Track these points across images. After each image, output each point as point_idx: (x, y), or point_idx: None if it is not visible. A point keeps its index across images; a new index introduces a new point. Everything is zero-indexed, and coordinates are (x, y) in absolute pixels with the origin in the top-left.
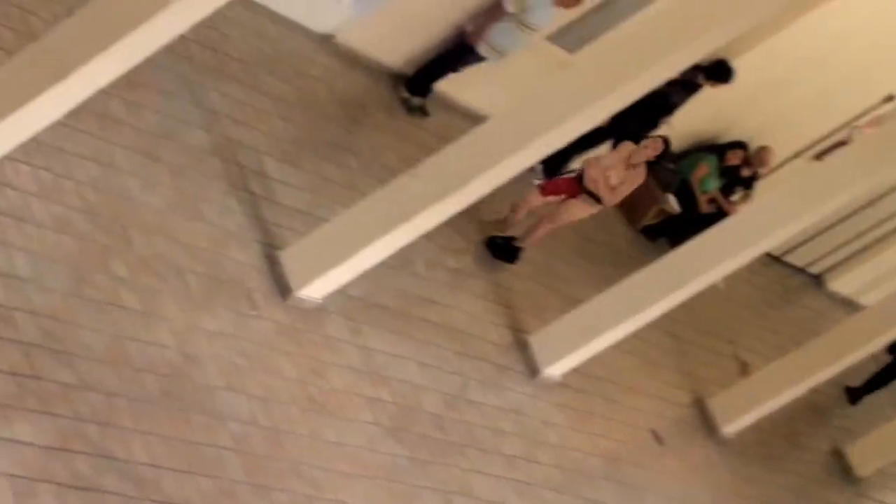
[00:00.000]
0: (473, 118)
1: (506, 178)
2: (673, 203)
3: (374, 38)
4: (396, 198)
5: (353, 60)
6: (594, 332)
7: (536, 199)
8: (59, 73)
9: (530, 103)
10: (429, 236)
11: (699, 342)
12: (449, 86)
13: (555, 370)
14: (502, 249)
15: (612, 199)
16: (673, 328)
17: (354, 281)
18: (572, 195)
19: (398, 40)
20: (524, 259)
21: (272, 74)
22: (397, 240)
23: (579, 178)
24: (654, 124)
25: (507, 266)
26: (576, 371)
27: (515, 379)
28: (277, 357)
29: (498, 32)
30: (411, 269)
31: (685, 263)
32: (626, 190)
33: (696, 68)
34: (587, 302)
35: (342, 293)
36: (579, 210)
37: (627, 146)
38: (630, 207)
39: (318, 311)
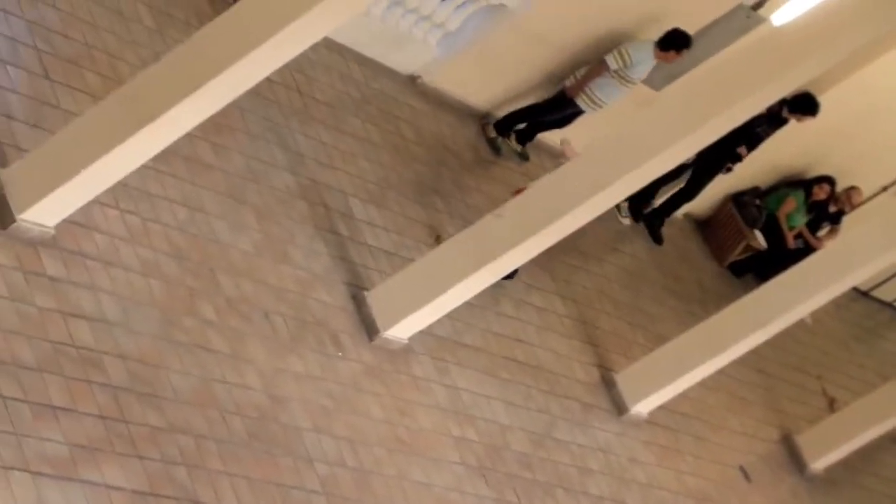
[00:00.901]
0: (558, 157)
1: (591, 216)
2: (760, 239)
3: (460, 78)
4: (482, 238)
5: (438, 101)
6: (681, 370)
7: None
8: (147, 117)
9: (616, 141)
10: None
11: (787, 378)
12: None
13: (642, 408)
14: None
15: None
16: (760, 364)
17: (440, 320)
18: None
19: (483, 81)
20: (610, 297)
21: (358, 116)
22: (483, 279)
23: None
24: (738, 157)
25: (595, 304)
26: (663, 408)
27: (602, 417)
28: (364, 398)
29: (598, 86)
30: (497, 308)
31: (772, 299)
32: None
33: (782, 102)
34: (674, 339)
35: (428, 333)
36: None
37: None
38: (717, 244)
39: (405, 351)
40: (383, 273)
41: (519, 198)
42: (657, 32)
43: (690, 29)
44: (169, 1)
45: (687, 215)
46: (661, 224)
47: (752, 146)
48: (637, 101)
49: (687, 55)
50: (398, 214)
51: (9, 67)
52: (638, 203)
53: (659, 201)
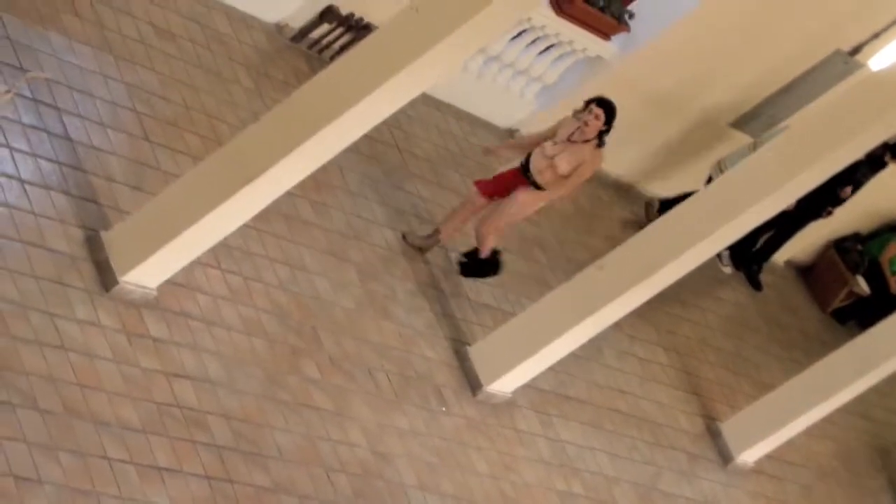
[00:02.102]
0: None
1: (692, 266)
2: (862, 285)
3: None
4: (583, 290)
5: None
6: (786, 418)
7: (479, 200)
8: (247, 177)
9: (716, 191)
10: (617, 326)
11: (893, 423)
12: (631, 176)
13: (748, 457)
14: (478, 266)
15: (560, 189)
16: (867, 411)
17: (543, 373)
18: (516, 187)
19: None
20: (713, 346)
21: (457, 171)
22: (585, 332)
23: (524, 167)
24: (838, 200)
25: (698, 353)
26: (769, 457)
27: (708, 467)
28: (469, 453)
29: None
30: (601, 360)
31: (876, 345)
32: (576, 179)
33: (884, 146)
34: (778, 387)
35: (531, 386)
36: (528, 203)
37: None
38: (819, 290)
39: (508, 404)
40: (485, 327)
41: (620, 249)
42: (751, 75)
43: (788, 76)
44: (266, 61)
45: (789, 262)
46: (760, 269)
47: (853, 190)
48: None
49: None
50: None
51: (109, 131)
52: (739, 251)
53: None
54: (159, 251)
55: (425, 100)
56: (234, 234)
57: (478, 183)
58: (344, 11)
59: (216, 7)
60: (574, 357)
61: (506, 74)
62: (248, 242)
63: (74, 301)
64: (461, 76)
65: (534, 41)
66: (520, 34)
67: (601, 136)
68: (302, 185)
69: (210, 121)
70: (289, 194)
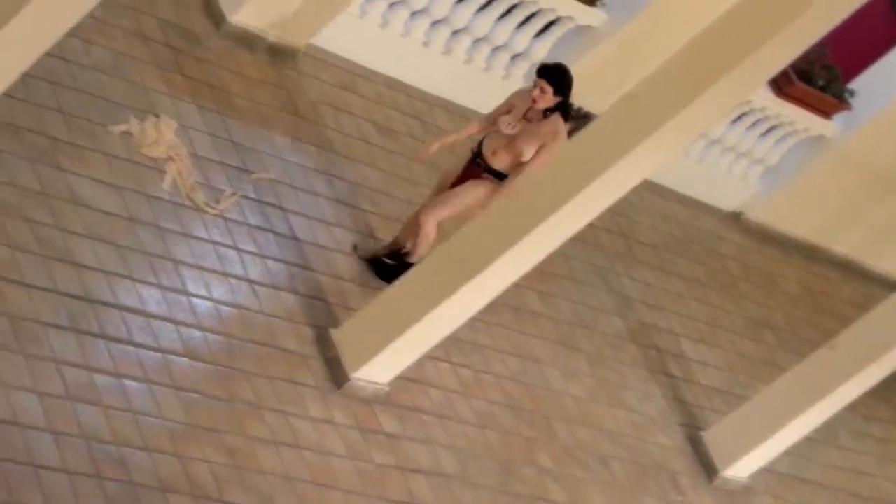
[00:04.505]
0: (888, 285)
1: None
2: None
3: (783, 212)
4: (816, 371)
5: (763, 236)
6: None
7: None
8: (473, 270)
9: None
10: (852, 407)
11: None
12: (858, 254)
13: None
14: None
15: (505, 158)
16: None
17: (779, 456)
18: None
19: (807, 212)
20: None
21: (683, 256)
22: (821, 413)
23: (475, 156)
24: None
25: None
26: None
27: None
28: None
29: None
30: (836, 442)
31: None
32: (535, 165)
33: None
34: None
35: (768, 470)
36: (478, 191)
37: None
38: None
39: (745, 490)
40: (719, 412)
41: (853, 328)
42: None
43: None
44: None
45: None
46: None
47: None
48: None
49: None
50: (730, 352)
51: (334, 229)
52: None
53: None
54: (389, 347)
55: (648, 185)
56: (462, 328)
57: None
58: None
59: (437, 104)
60: (809, 440)
61: (728, 157)
62: (477, 335)
63: (307, 399)
64: (683, 160)
65: (754, 123)
66: (740, 116)
67: (563, 109)
68: (527, 276)
69: None
70: (515, 285)
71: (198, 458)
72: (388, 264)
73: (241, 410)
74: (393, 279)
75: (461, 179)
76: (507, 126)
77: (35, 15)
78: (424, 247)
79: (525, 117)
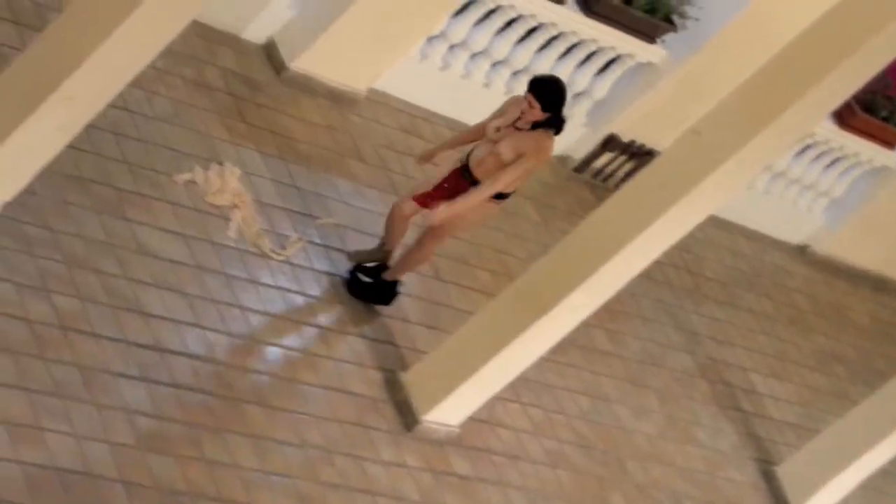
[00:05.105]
0: None
1: None
2: None
3: (850, 244)
4: (890, 402)
5: (830, 269)
6: None
7: (408, 207)
8: (541, 309)
9: None
10: None
11: None
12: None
13: None
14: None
15: (496, 183)
16: None
17: (853, 491)
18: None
19: (874, 244)
20: None
21: (751, 291)
22: (893, 446)
23: (463, 168)
24: None
25: None
26: None
27: None
28: None
29: None
30: None
31: None
32: (514, 171)
33: None
34: None
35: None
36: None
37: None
38: None
39: None
40: (791, 446)
41: None
42: None
43: None
44: (550, 193)
45: None
46: None
47: None
48: None
49: None
50: (800, 386)
51: None
52: None
53: None
54: (458, 389)
55: (713, 221)
56: (531, 368)
57: (415, 198)
58: (625, 139)
59: None
60: (883, 472)
61: (793, 190)
62: (546, 375)
63: (378, 443)
64: (747, 194)
65: (819, 155)
66: (804, 149)
67: (554, 124)
68: (596, 314)
69: (499, 256)
70: (583, 324)
71: None
72: (363, 282)
73: (313, 456)
74: (365, 296)
75: (449, 192)
76: (494, 131)
77: (98, 67)
78: (393, 234)
79: (514, 125)
